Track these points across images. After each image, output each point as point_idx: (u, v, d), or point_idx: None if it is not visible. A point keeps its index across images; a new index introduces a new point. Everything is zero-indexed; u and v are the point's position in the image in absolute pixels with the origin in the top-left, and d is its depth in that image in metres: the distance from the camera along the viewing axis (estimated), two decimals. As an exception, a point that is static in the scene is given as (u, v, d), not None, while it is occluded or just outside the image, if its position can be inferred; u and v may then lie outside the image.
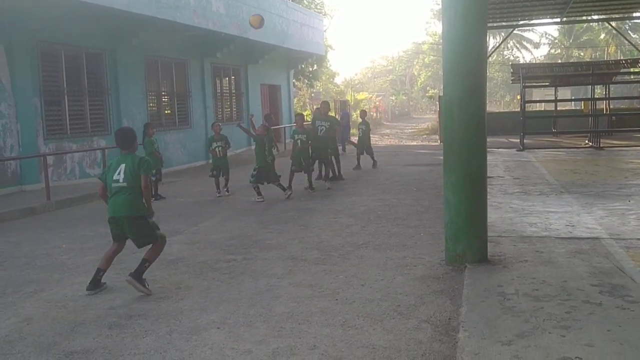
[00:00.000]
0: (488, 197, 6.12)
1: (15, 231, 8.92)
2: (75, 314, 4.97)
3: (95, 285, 5.53)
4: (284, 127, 23.43)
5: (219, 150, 11.70)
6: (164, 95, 17.53)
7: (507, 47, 62.10)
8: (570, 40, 57.37)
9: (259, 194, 10.60)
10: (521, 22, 20.67)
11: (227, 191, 11.64)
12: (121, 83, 15.02)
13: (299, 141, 11.57)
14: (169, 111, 17.71)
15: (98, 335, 4.47)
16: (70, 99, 13.76)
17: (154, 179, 11.53)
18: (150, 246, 5.57)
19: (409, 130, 37.59)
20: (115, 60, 14.87)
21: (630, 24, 48.24)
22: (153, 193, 11.47)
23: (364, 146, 15.44)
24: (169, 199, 11.45)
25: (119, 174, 5.43)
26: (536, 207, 8.49)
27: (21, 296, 5.55)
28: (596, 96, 22.37)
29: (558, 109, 24.92)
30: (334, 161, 12.99)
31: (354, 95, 44.20)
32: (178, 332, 4.48)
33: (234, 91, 21.81)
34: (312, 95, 40.05)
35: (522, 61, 58.44)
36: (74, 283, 5.90)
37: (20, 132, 12.41)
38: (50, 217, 10.10)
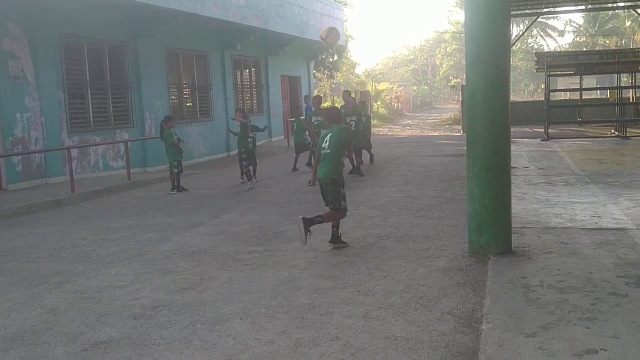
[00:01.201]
0: (512, 188, 6.04)
1: (41, 223, 9.07)
2: (100, 305, 5.04)
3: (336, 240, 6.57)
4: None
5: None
6: (186, 88, 17.61)
7: (532, 36, 61.21)
8: (596, 28, 56.39)
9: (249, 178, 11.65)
10: (545, 10, 20.30)
11: (255, 179, 12.01)
12: (143, 76, 15.12)
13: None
14: (190, 104, 17.79)
15: (123, 326, 4.53)
16: (94, 92, 13.90)
17: (176, 171, 11.63)
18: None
19: (432, 121, 37.29)
20: (137, 54, 14.98)
21: (657, 11, 47.19)
22: (175, 185, 11.57)
23: (364, 139, 13.88)
24: (191, 191, 11.52)
25: (326, 142, 6.53)
26: (561, 198, 8.38)
27: (47, 287, 5.63)
28: (622, 85, 21.98)
29: (583, 98, 24.52)
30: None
31: (375, 86, 43.89)
32: (202, 322, 4.51)
33: (254, 83, 21.83)
34: (333, 86, 39.90)
35: (546, 49, 57.55)
36: (98, 274, 5.98)
37: (44, 126, 12.59)
38: (75, 210, 10.24)
